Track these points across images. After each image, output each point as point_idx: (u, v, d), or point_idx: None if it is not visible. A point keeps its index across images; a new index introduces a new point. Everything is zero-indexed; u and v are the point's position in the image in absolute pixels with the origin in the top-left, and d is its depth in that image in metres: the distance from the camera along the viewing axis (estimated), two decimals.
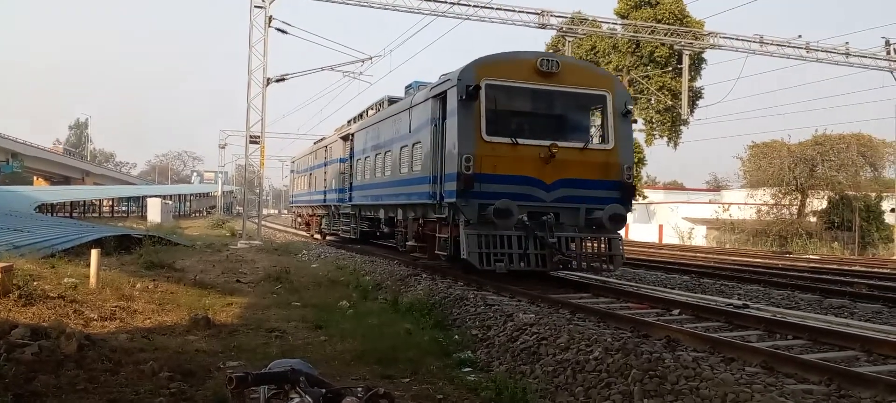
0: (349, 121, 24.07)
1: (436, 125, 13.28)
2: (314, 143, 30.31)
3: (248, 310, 10.86)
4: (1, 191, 44.36)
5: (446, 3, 31.58)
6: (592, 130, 13.83)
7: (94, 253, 11.55)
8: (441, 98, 13.06)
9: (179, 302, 10.95)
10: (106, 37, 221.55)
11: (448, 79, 12.74)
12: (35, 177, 79.56)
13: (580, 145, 12.76)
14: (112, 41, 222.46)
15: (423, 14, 31.62)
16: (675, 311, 9.49)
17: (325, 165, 26.05)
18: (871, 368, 6.28)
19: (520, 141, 12.20)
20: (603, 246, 12.56)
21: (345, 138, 22.95)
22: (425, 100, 13.98)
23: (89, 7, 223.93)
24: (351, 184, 21.56)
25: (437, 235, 13.34)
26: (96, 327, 8.59)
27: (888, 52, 34.11)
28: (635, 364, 6.32)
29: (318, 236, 30.02)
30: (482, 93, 11.99)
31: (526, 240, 11.85)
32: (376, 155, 18.18)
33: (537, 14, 33.11)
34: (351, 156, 21.78)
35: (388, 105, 18.92)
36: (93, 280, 11.17)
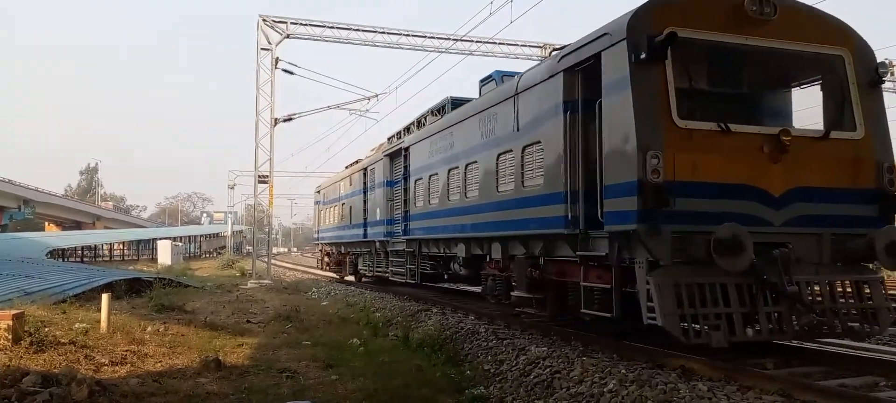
0: (398, 134, 18.93)
1: (571, 113, 8.92)
2: (346, 167, 25.04)
3: (258, 351, 10.82)
4: (13, 238, 44.70)
5: (449, 39, 31.99)
6: (820, 109, 8.92)
7: (105, 297, 11.57)
8: (585, 69, 8.71)
9: (190, 344, 10.93)
10: (112, 83, 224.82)
11: (603, 34, 8.29)
12: (46, 223, 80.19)
13: (819, 132, 8.40)
14: (118, 88, 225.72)
15: (427, 51, 32.08)
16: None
17: (365, 192, 21.10)
18: (891, 394, 6.17)
19: (732, 127, 7.84)
20: (858, 292, 8.13)
21: (393, 155, 18.09)
22: (548, 78, 9.60)
23: (94, 58, 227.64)
24: (407, 212, 16.60)
25: (581, 283, 8.93)
26: (107, 372, 8.57)
27: None
28: (650, 396, 6.24)
29: (349, 277, 26.04)
30: (669, 51, 7.61)
31: (753, 291, 7.51)
32: (450, 170, 13.49)
33: (540, 47, 33.44)
34: (405, 177, 16.70)
35: (452, 109, 14.76)
36: (104, 324, 11.17)
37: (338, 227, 25.69)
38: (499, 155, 11.23)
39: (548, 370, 8.07)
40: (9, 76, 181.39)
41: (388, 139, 19.83)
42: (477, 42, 32.23)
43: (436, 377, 8.78)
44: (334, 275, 29.22)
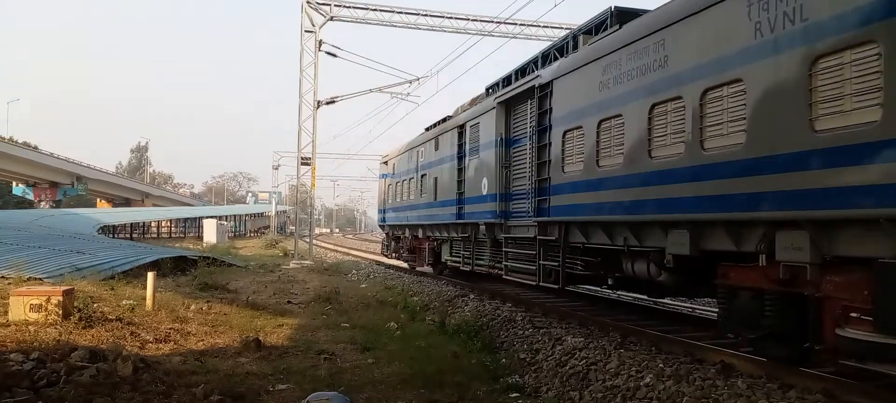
0: (505, 80, 14.35)
1: None
2: (427, 129, 19.58)
3: (298, 332, 11.00)
4: (66, 214, 46.19)
5: (492, 22, 31.79)
6: None
7: (151, 275, 11.88)
8: None
9: (231, 323, 11.16)
10: (165, 66, 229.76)
11: None
12: (98, 200, 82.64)
13: None
14: (171, 70, 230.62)
15: (469, 34, 31.95)
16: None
17: (460, 158, 15.64)
18: None
19: None
20: None
21: (514, 101, 12.76)
22: None
23: (148, 40, 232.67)
24: (542, 182, 11.27)
25: None
26: (151, 349, 8.81)
27: None
28: (687, 392, 6.14)
29: (425, 267, 20.84)
30: None
31: None
32: (654, 107, 8.32)
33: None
34: (542, 129, 11.32)
35: (615, 26, 9.95)
36: (149, 302, 11.48)
37: (413, 206, 20.21)
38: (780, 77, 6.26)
39: (584, 361, 8.01)
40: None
41: (487, 89, 15.45)
42: (520, 24, 31.96)
43: (471, 364, 8.80)
44: (400, 264, 24.39)
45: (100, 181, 76.55)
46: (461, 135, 15.71)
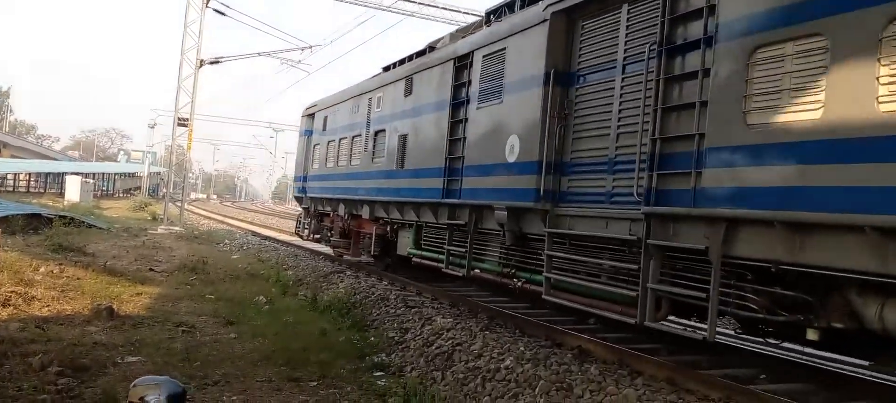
0: None
1: None
2: (387, 69, 14.37)
3: (157, 301, 10.44)
4: None
5: None
6: None
7: None
8: None
9: (84, 289, 10.45)
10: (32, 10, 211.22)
11: None
12: None
13: None
14: (42, 8, 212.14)
15: (368, 6, 31.41)
16: (591, 321, 9.54)
17: (460, 106, 10.44)
18: (771, 386, 6.46)
19: None
20: None
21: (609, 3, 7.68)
22: None
23: None
24: (694, 140, 6.15)
25: None
26: None
27: None
28: (544, 376, 6.33)
29: (364, 257, 15.43)
30: None
31: None
32: None
33: (479, 16, 33.22)
34: (704, 40, 6.16)
35: None
36: None
37: (354, 174, 14.70)
38: None
39: (450, 341, 8.10)
40: None
41: (488, 14, 11.26)
42: (419, 3, 31.80)
43: (339, 341, 8.68)
44: (322, 250, 18.20)
45: None
46: (462, 71, 10.41)
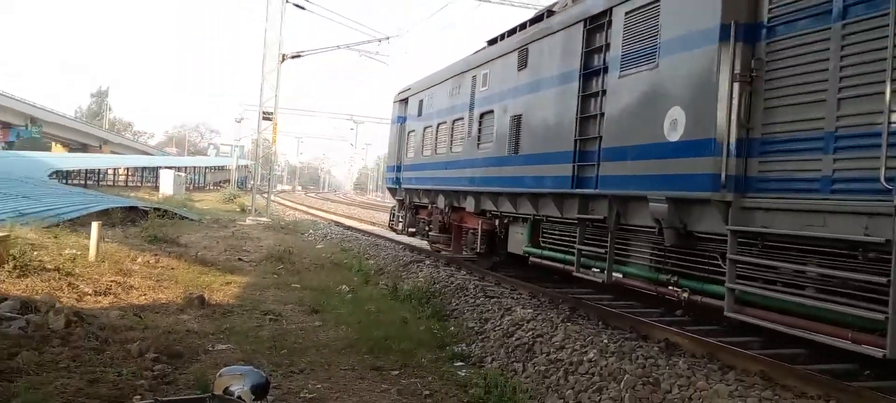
0: None
1: None
2: (491, 43, 12.72)
3: (246, 290, 10.80)
4: (17, 156, 44.72)
5: None
6: None
7: (95, 225, 11.52)
8: None
9: (177, 278, 10.91)
10: (130, 6, 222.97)
11: None
12: (54, 143, 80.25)
13: None
14: (137, 8, 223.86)
15: None
16: (678, 312, 9.22)
17: (593, 77, 8.78)
18: (875, 382, 6.05)
19: None
20: None
21: None
22: None
23: None
24: None
25: None
26: (89, 302, 8.55)
27: None
28: (629, 370, 6.13)
29: (467, 254, 13.67)
30: None
31: None
32: None
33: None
34: None
35: None
36: (92, 252, 11.15)
37: (456, 162, 13.15)
38: None
39: (531, 333, 7.98)
40: None
41: None
42: None
43: (419, 330, 8.72)
44: (411, 242, 17.44)
45: (55, 124, 74.15)
46: (595, 34, 8.76)
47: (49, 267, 9.56)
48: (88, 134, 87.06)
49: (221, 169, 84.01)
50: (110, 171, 61.20)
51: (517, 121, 10.62)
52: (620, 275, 8.63)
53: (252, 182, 34.71)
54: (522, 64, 10.58)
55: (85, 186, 43.89)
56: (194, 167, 75.38)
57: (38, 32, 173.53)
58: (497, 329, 8.57)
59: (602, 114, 8.37)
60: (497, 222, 11.94)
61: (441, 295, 11.01)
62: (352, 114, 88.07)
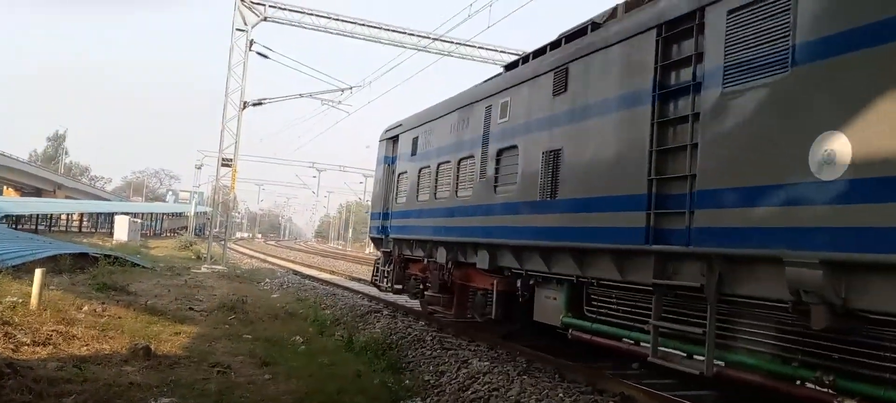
0: None
1: None
2: (508, 68, 10.96)
3: (195, 341, 10.44)
4: None
5: (429, 38, 31.79)
6: None
7: (38, 272, 11.08)
8: None
9: (124, 328, 10.50)
10: (88, 49, 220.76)
11: None
12: (5, 187, 77.97)
13: None
14: (94, 53, 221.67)
15: (405, 47, 31.89)
16: (634, 365, 9.16)
17: (679, 97, 6.71)
18: None
19: None
20: None
21: None
22: None
23: (69, 22, 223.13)
24: None
25: None
26: (26, 352, 8.15)
27: None
28: None
29: (481, 320, 11.12)
30: None
31: None
32: None
33: (517, 55, 33.35)
34: None
35: None
36: (34, 300, 10.70)
37: (474, 208, 10.60)
38: None
39: (486, 386, 7.86)
40: None
41: None
42: (455, 43, 32.16)
43: (373, 384, 8.51)
44: (365, 290, 16.94)
45: (7, 167, 72.14)
46: (673, 44, 6.91)
47: None
48: (42, 178, 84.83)
49: (180, 215, 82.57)
50: (64, 217, 59.60)
51: (554, 157, 8.36)
52: (724, 366, 6.17)
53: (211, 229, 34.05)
54: (560, 87, 8.46)
55: (35, 232, 42.58)
56: (151, 213, 73.84)
57: None
58: (453, 382, 8.43)
59: (694, 145, 6.24)
60: (519, 282, 9.36)
61: (398, 347, 10.82)
62: (314, 162, 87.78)
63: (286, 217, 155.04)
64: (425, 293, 12.62)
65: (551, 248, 8.30)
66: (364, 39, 32.80)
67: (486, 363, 8.89)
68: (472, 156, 10.75)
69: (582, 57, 8.19)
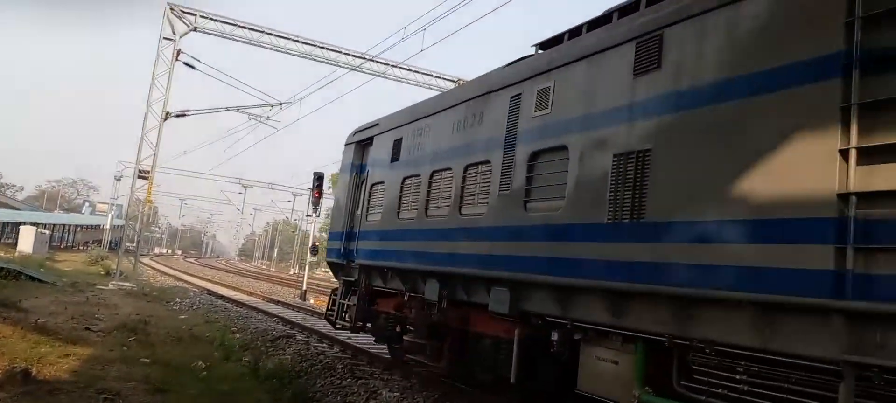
0: None
1: None
2: (541, 48, 8.17)
3: (86, 364, 9.67)
4: None
5: (363, 58, 31.49)
6: None
7: None
8: None
9: (6, 349, 9.64)
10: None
11: None
12: None
13: None
14: (9, 55, 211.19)
15: (339, 65, 31.46)
16: None
17: None
18: None
19: None
20: None
21: None
22: None
23: None
24: None
25: None
26: None
27: None
28: None
29: (488, 379, 8.42)
30: None
31: None
32: None
33: (454, 81, 33.43)
34: None
35: None
36: None
37: (486, 231, 7.84)
38: None
39: None
40: None
41: None
42: (390, 65, 31.98)
43: None
44: (324, 328, 14.23)
45: None
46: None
47: None
48: None
49: (96, 228, 78.82)
50: None
51: (638, 161, 5.87)
52: None
53: (128, 243, 32.46)
54: (648, 63, 5.99)
55: None
56: (63, 225, 70.17)
57: None
58: None
59: None
60: (555, 334, 6.72)
61: (307, 375, 10.34)
62: (240, 177, 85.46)
63: (210, 233, 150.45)
64: (404, 337, 9.59)
65: (625, 293, 5.78)
66: (298, 56, 32.21)
67: (396, 393, 8.56)
68: (486, 162, 8.06)
69: (692, 16, 5.68)
